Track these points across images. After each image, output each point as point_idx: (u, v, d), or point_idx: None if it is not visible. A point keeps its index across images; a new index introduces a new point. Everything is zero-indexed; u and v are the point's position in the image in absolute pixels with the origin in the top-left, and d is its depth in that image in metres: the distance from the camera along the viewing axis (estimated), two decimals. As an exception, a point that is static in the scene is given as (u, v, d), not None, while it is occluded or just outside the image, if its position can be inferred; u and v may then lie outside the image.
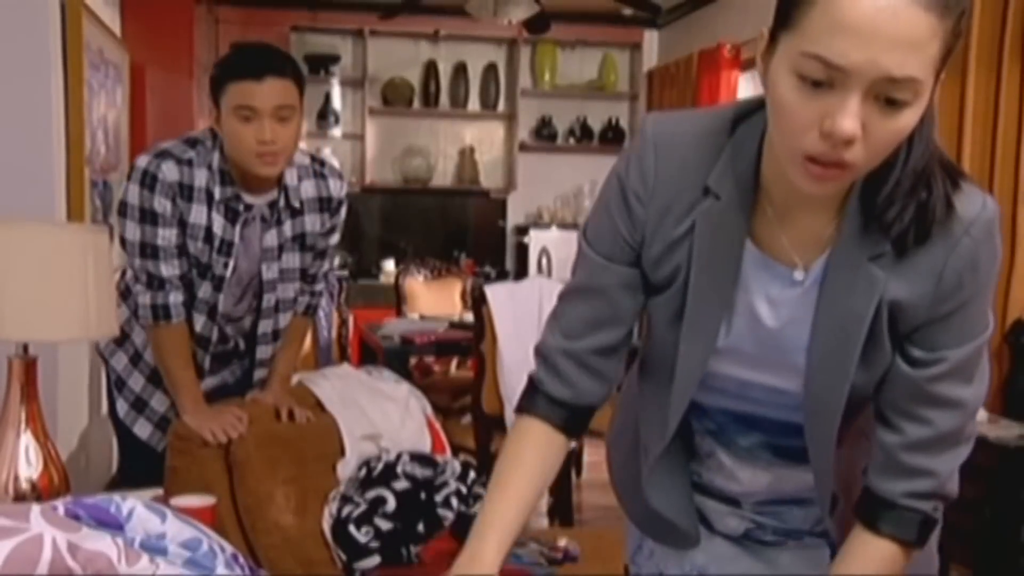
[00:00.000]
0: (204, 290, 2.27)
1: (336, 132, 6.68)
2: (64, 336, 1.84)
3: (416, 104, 6.78)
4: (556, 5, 5.09)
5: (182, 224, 2.18)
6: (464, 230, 7.00)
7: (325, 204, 2.34)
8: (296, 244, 2.33)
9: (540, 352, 1.28)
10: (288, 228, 2.30)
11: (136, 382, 2.44)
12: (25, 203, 3.15)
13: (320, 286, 2.49)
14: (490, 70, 6.88)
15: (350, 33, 6.62)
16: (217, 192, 2.18)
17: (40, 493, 1.73)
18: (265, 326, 2.41)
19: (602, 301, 1.23)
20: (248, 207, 2.23)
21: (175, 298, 2.22)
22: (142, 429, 2.44)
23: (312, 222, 2.33)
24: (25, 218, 2.12)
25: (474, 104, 6.89)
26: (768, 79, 1.02)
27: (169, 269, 2.19)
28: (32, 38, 3.24)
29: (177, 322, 2.23)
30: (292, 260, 2.34)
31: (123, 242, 2.21)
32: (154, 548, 0.98)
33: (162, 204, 2.14)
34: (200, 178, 2.17)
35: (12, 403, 1.76)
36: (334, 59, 6.62)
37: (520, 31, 5.92)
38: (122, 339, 2.41)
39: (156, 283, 2.20)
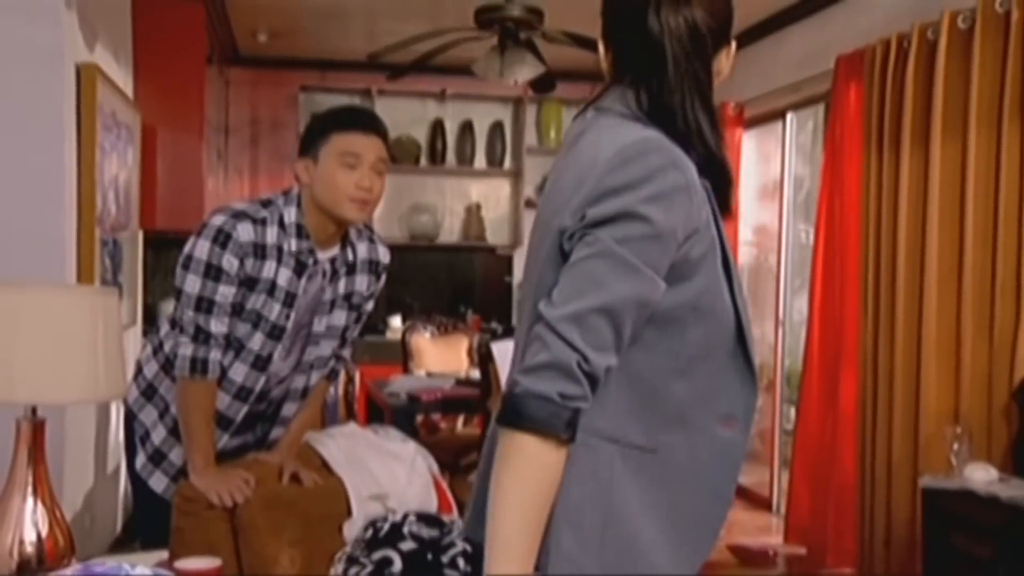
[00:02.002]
0: (256, 341, 2.31)
1: (344, 189, 6.73)
2: (73, 398, 1.85)
3: (423, 161, 6.85)
4: (561, 65, 5.17)
5: (251, 281, 2.25)
6: (470, 286, 7.03)
7: (374, 267, 2.47)
8: (346, 302, 2.42)
9: (595, 373, 1.23)
10: (342, 285, 2.40)
11: (159, 435, 2.45)
12: (36, 263, 3.18)
13: (348, 351, 2.56)
14: (496, 128, 6.96)
15: (358, 92, 6.71)
16: (291, 245, 2.27)
17: (45, 557, 1.72)
18: (299, 382, 2.47)
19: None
20: (316, 261, 2.32)
21: (215, 355, 2.26)
22: (158, 482, 2.44)
23: (362, 282, 2.44)
24: (35, 280, 2.14)
25: (480, 161, 6.96)
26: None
27: (219, 326, 2.25)
28: (47, 101, 3.30)
29: (211, 379, 2.27)
30: (339, 317, 2.43)
31: (178, 294, 2.26)
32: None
33: (230, 262, 2.22)
34: (271, 235, 2.26)
35: (19, 466, 1.76)
36: (342, 118, 6.70)
37: (526, 90, 6.01)
38: (151, 393, 2.44)
39: (202, 337, 2.25)
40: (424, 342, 5.41)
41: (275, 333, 2.32)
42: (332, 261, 2.36)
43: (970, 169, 3.59)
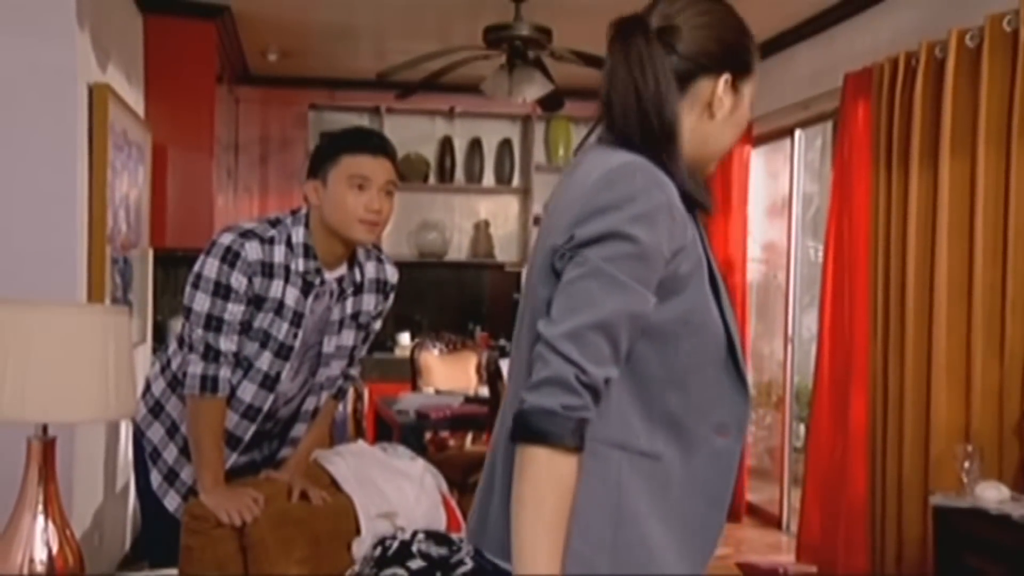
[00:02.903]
0: (264, 360, 2.32)
1: (353, 207, 6.76)
2: (83, 417, 1.86)
3: (432, 179, 6.88)
4: (570, 83, 5.18)
5: (258, 300, 2.26)
6: (479, 303, 7.03)
7: (382, 286, 2.48)
8: (354, 322, 2.43)
9: (595, 384, 1.30)
10: (350, 305, 2.41)
11: (170, 454, 2.45)
12: (47, 281, 3.20)
13: (356, 370, 2.56)
14: (505, 145, 6.99)
15: (367, 110, 6.75)
16: (298, 264, 2.29)
17: (55, 575, 1.72)
18: (309, 403, 2.48)
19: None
20: (323, 281, 2.32)
21: (225, 373, 2.27)
22: (172, 501, 2.44)
23: (369, 302, 2.45)
24: (46, 300, 2.15)
25: (489, 179, 6.98)
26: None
27: (228, 344, 2.26)
28: (60, 120, 3.32)
29: (221, 397, 2.28)
30: (348, 337, 2.43)
31: (187, 312, 2.27)
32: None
33: (239, 281, 2.23)
34: (279, 254, 2.28)
35: (30, 484, 1.77)
36: (351, 136, 6.73)
37: (534, 108, 6.02)
38: (158, 411, 2.45)
39: (212, 355, 2.26)
40: (433, 359, 5.41)
41: (283, 352, 2.32)
42: (339, 281, 2.37)
43: (979, 187, 3.58)
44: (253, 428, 2.41)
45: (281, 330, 2.30)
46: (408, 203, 6.89)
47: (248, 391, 2.34)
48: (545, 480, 1.27)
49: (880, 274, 4.11)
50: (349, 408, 4.72)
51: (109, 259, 3.68)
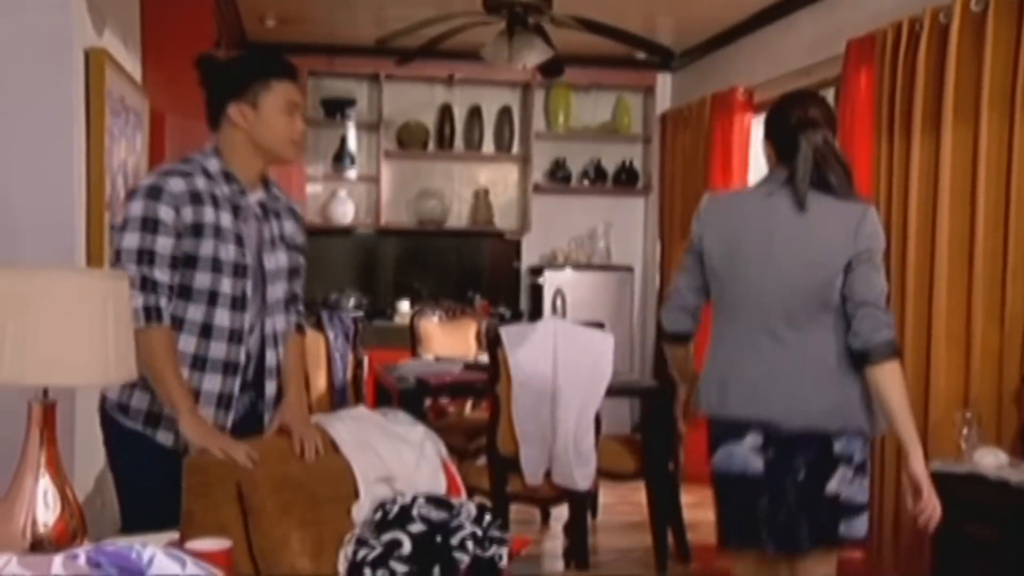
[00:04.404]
0: (226, 284, 2.38)
1: (352, 174, 6.75)
2: (84, 381, 1.86)
3: (431, 147, 6.85)
4: (570, 49, 5.15)
5: (196, 228, 2.33)
6: (478, 271, 7.03)
7: (294, 214, 2.60)
8: (283, 243, 2.53)
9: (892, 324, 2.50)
10: (275, 227, 2.51)
11: (140, 401, 2.41)
12: (46, 248, 3.19)
13: (301, 307, 2.65)
14: (504, 113, 6.95)
15: (366, 77, 6.70)
16: (223, 191, 2.39)
17: (58, 537, 1.73)
18: (268, 326, 2.50)
19: None
20: (247, 203, 2.44)
21: (165, 303, 2.32)
22: (166, 438, 2.42)
23: (289, 227, 2.56)
24: (46, 264, 2.15)
25: (488, 147, 6.95)
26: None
27: (163, 276, 2.31)
28: (56, 85, 3.30)
29: (167, 326, 2.32)
30: (283, 258, 2.53)
31: (117, 255, 2.31)
32: (173, 597, 0.99)
33: (167, 212, 2.30)
34: (201, 184, 2.37)
35: (31, 447, 1.77)
36: (350, 103, 6.70)
37: (534, 75, 5.99)
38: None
39: (150, 285, 2.30)
40: (432, 327, 5.42)
41: (240, 271, 2.40)
42: (261, 204, 2.48)
43: (982, 153, 3.57)
44: (237, 381, 2.43)
45: (229, 252, 2.37)
46: (407, 171, 6.87)
47: (224, 317, 2.38)
48: (902, 379, 2.43)
49: (881, 241, 4.10)
50: (349, 375, 4.74)
51: (108, 226, 3.67)
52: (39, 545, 1.71)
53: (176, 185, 2.31)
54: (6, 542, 1.67)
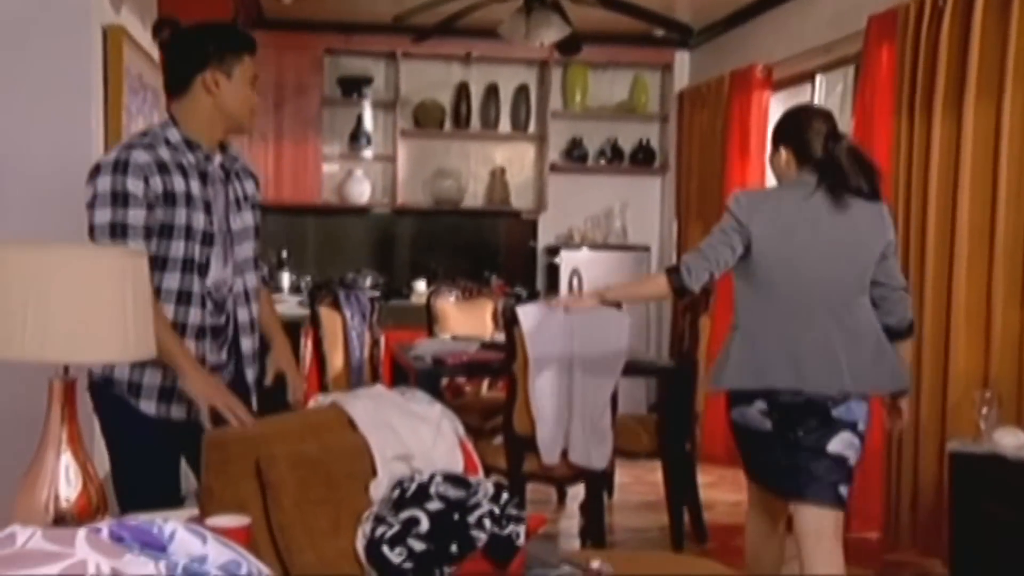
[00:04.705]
0: (192, 251, 2.43)
1: (368, 154, 6.74)
2: (104, 358, 1.87)
3: (447, 126, 6.83)
4: (587, 27, 5.11)
5: (167, 197, 2.37)
6: (495, 251, 7.02)
7: (250, 173, 2.69)
8: (247, 203, 2.63)
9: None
10: (238, 187, 2.60)
11: (121, 372, 2.44)
12: (64, 225, 3.19)
13: (263, 269, 2.80)
14: (521, 92, 6.92)
15: (383, 56, 6.68)
16: (189, 158, 2.44)
17: (80, 512, 1.74)
18: (239, 284, 2.58)
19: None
20: (213, 168, 2.51)
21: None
22: (147, 406, 2.45)
23: (250, 187, 2.66)
24: (65, 242, 2.15)
25: (505, 126, 6.93)
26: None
27: (138, 247, 2.32)
28: (74, 62, 3.30)
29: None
30: (248, 217, 2.62)
31: (91, 231, 2.33)
32: (196, 574, 0.99)
33: (135, 184, 2.33)
34: (165, 154, 2.41)
35: (52, 424, 1.78)
36: (367, 81, 6.69)
37: (551, 53, 5.96)
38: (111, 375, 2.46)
39: None
40: (448, 306, 5.42)
41: (207, 240, 2.45)
42: (222, 167, 2.55)
43: (1004, 131, 3.53)
44: (208, 340, 2.49)
45: (200, 220, 2.44)
46: (423, 150, 6.86)
47: (197, 283, 2.45)
48: None
49: (900, 220, 4.07)
50: (366, 354, 4.75)
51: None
52: (61, 520, 1.72)
53: (140, 156, 2.34)
54: (29, 517, 1.69)
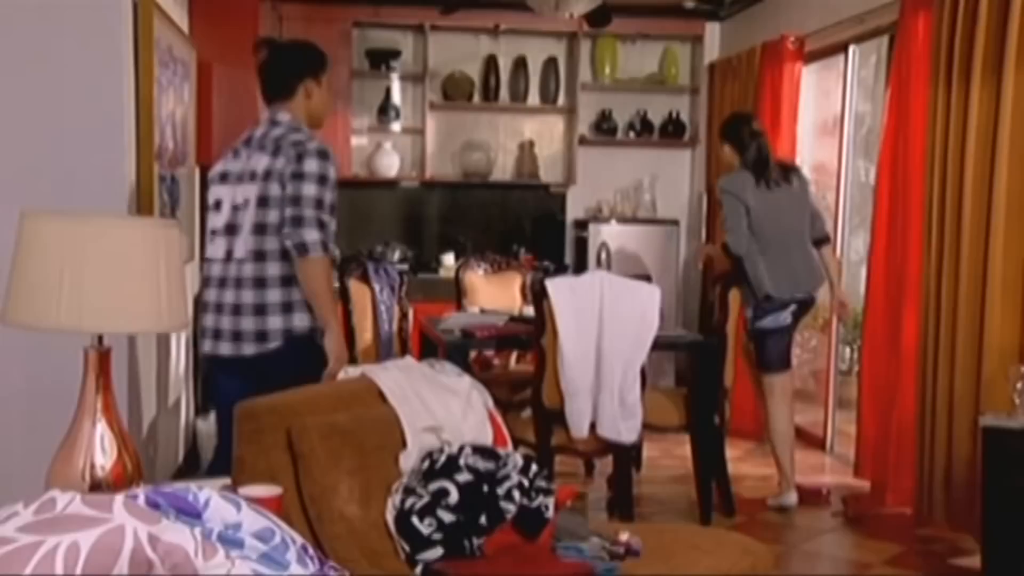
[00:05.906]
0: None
1: (396, 127, 6.73)
2: (137, 328, 1.89)
3: (476, 98, 6.80)
4: (617, -2, 5.06)
5: (333, 183, 3.04)
6: (523, 224, 7.01)
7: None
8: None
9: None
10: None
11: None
12: (97, 198, 3.22)
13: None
14: (550, 64, 6.88)
15: (411, 28, 6.66)
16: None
17: (115, 480, 1.77)
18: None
19: None
20: None
21: (331, 240, 3.02)
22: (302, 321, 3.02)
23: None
24: (99, 213, 2.17)
25: (534, 98, 6.89)
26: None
27: (330, 220, 3.00)
28: (105, 36, 3.31)
29: (330, 258, 3.02)
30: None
31: (298, 200, 2.93)
32: (231, 541, 1.00)
33: (334, 172, 3.03)
34: None
35: (88, 393, 1.80)
36: (395, 54, 6.67)
37: (581, 25, 5.90)
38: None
39: (322, 226, 2.96)
40: (477, 279, 5.42)
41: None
42: None
43: (972, 116, 3.47)
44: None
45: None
46: (452, 123, 6.84)
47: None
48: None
49: (936, 193, 4.02)
50: (395, 327, 4.76)
51: (157, 176, 3.70)
52: (97, 488, 1.75)
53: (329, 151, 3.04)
54: (66, 484, 1.71)
